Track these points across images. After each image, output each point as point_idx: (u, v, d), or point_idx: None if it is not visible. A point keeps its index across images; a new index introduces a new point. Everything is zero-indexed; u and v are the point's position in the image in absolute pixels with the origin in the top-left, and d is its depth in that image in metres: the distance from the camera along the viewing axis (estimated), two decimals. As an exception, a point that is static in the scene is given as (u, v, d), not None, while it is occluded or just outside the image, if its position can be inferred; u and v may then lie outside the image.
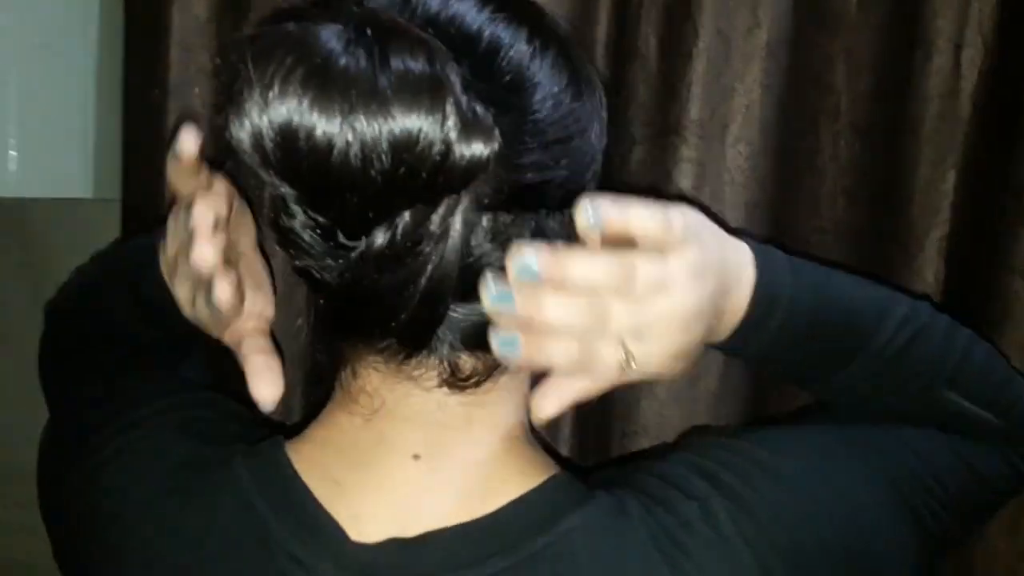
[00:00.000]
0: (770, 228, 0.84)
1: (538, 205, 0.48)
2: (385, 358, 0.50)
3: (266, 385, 0.59)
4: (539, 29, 0.50)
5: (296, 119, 0.39)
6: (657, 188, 0.82)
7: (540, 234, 0.48)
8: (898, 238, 0.83)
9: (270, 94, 0.39)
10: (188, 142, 0.56)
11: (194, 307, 0.60)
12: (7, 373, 1.25)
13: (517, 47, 0.48)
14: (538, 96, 0.48)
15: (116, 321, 0.69)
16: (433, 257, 0.45)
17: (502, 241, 0.47)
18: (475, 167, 0.42)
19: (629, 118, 0.83)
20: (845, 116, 0.83)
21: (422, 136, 0.40)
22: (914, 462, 0.59)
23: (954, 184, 0.81)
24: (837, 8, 0.81)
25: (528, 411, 0.55)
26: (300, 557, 0.50)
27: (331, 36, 0.40)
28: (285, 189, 0.42)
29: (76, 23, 0.93)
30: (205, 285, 0.57)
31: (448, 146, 0.40)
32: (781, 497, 0.53)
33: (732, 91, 0.81)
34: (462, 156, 0.41)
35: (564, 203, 0.49)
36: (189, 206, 0.57)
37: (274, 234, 0.47)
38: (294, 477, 0.53)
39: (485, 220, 0.46)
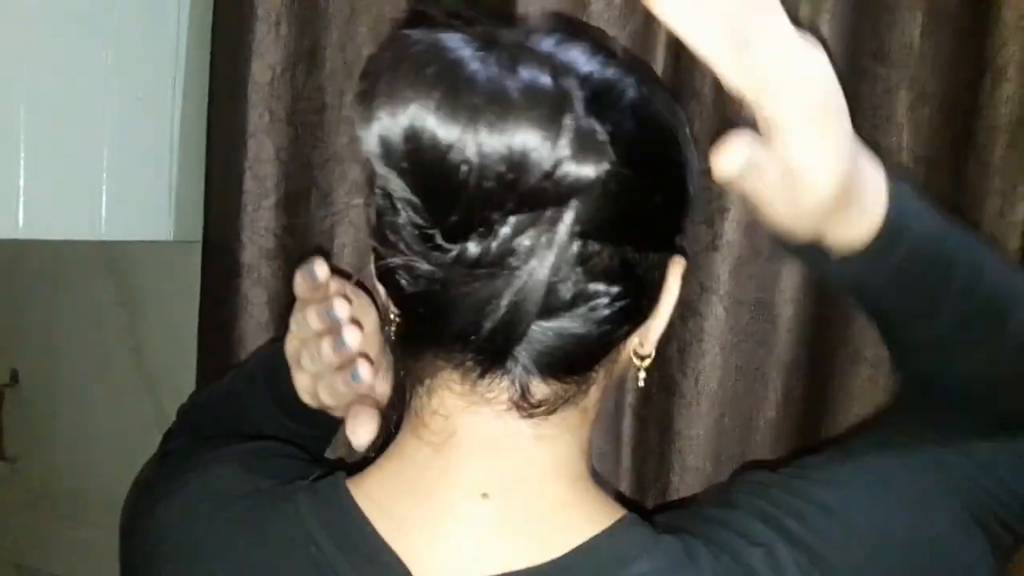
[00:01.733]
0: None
1: (629, 240, 0.48)
2: (461, 375, 0.50)
3: (362, 426, 0.63)
4: (647, 79, 0.51)
5: (421, 120, 0.40)
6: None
7: (626, 269, 0.49)
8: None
9: (401, 92, 0.41)
10: (322, 270, 0.63)
11: (315, 394, 0.67)
12: (105, 403, 1.33)
13: (629, 90, 0.49)
14: (648, 135, 0.49)
15: (252, 420, 0.72)
16: (523, 272, 0.44)
17: (589, 268, 0.47)
18: (581, 186, 0.42)
19: (686, 153, 0.84)
20: (908, 148, 0.81)
21: (537, 146, 0.41)
22: (983, 478, 0.56)
23: (1025, 215, 0.79)
24: (898, 38, 0.81)
25: (591, 454, 0.55)
26: None
27: (462, 44, 0.43)
28: (397, 184, 0.43)
29: (163, 77, 0.99)
30: (347, 368, 0.64)
31: (559, 160, 0.41)
32: (848, 537, 0.52)
33: (789, 125, 0.80)
34: (569, 173, 0.42)
35: (655, 245, 0.50)
36: (311, 308, 0.64)
37: (376, 228, 0.47)
38: (357, 512, 0.52)
39: (576, 245, 0.46)
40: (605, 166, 0.42)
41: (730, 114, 0.82)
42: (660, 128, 0.50)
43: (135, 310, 1.24)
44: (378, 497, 0.53)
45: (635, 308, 0.51)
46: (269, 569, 0.53)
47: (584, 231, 0.46)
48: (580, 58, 0.48)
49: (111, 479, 1.34)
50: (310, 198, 0.95)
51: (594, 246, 0.47)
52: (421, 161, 0.41)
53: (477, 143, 0.40)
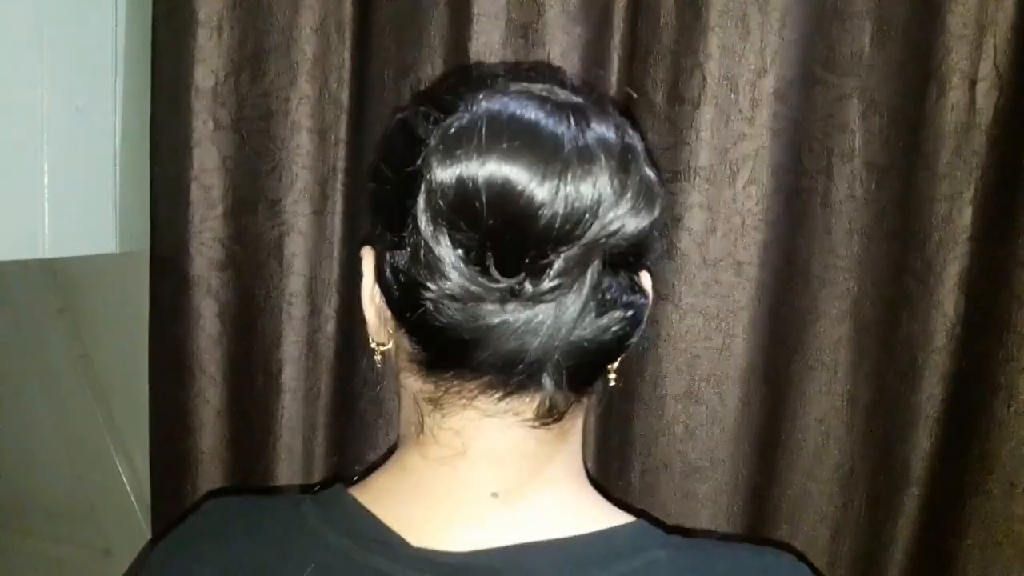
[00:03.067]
0: (783, 266, 0.84)
1: (634, 267, 0.53)
2: (489, 394, 0.52)
3: None
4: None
5: (515, 178, 0.44)
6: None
7: (635, 288, 0.53)
8: (917, 273, 0.82)
9: (490, 152, 0.45)
10: None
11: None
12: (46, 410, 1.30)
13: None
14: (657, 178, 0.51)
15: None
16: (563, 303, 0.49)
17: (608, 293, 0.51)
18: (630, 237, 0.47)
19: (640, 163, 0.84)
20: (860, 155, 0.82)
21: (608, 197, 0.45)
22: None
23: (971, 219, 0.81)
24: (850, 47, 0.81)
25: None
26: (389, 571, 0.51)
27: (532, 105, 0.47)
28: (461, 228, 0.46)
29: (102, 86, 0.95)
30: None
31: (623, 213, 0.46)
32: None
33: (742, 136, 0.81)
34: (627, 225, 0.46)
35: (644, 267, 0.55)
36: None
37: (416, 262, 0.49)
38: (360, 508, 0.55)
39: (604, 276, 0.50)
40: (655, 215, 0.48)
41: (682, 124, 0.82)
42: (658, 172, 0.53)
43: (80, 321, 1.21)
44: (381, 499, 0.55)
45: (637, 322, 0.54)
46: (278, 564, 0.54)
47: (610, 263, 0.50)
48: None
49: (62, 489, 1.32)
50: (258, 207, 0.93)
51: (612, 274, 0.51)
52: (507, 211, 0.45)
53: (565, 197, 0.45)
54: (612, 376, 0.60)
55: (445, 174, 0.45)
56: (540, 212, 0.45)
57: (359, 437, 0.93)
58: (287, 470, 0.94)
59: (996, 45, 0.78)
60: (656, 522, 0.57)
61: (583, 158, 0.45)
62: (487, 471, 0.53)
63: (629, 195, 0.46)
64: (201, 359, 0.94)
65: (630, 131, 0.50)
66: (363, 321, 0.58)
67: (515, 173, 0.44)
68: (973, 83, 0.79)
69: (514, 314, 0.48)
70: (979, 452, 0.80)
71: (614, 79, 0.83)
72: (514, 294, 0.47)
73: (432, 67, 0.88)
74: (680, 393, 0.87)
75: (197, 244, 0.93)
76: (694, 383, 0.87)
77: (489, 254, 0.47)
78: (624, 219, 0.46)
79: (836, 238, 0.83)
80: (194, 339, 0.94)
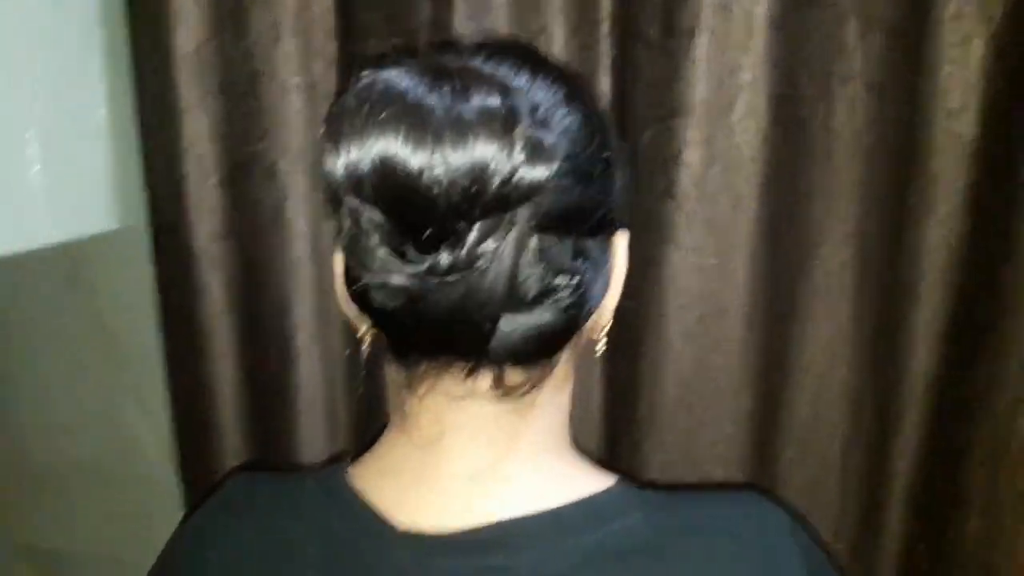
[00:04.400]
0: (786, 193, 0.83)
1: (579, 230, 0.53)
2: (450, 375, 0.54)
3: None
4: (572, 86, 0.55)
5: (391, 150, 0.45)
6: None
7: (582, 257, 0.53)
8: (920, 190, 0.81)
9: (367, 129, 0.45)
10: None
11: None
12: (63, 389, 1.31)
13: (561, 100, 0.53)
14: (581, 138, 0.53)
15: None
16: (489, 272, 0.49)
17: (549, 262, 0.51)
18: (536, 186, 0.47)
19: (637, 99, 0.82)
20: (860, 76, 0.80)
21: (495, 157, 0.45)
22: None
23: (976, 132, 0.79)
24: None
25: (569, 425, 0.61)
26: (378, 552, 0.55)
27: (416, 82, 0.47)
28: (367, 210, 0.47)
29: (80, 64, 0.93)
30: None
31: (515, 167, 0.46)
32: None
33: (738, 66, 0.79)
34: (525, 176, 0.46)
35: (599, 229, 0.55)
36: None
37: (349, 255, 0.50)
38: (357, 495, 0.58)
39: (535, 241, 0.50)
40: (554, 167, 0.47)
41: (677, 56, 0.80)
42: (590, 131, 0.54)
43: (90, 299, 1.20)
44: (372, 482, 0.59)
45: (594, 293, 0.55)
46: (281, 547, 0.58)
47: (540, 226, 0.50)
48: (517, 76, 0.53)
49: (67, 452, 1.33)
50: (254, 172, 0.92)
51: (550, 240, 0.51)
52: (392, 186, 0.46)
53: (444, 163, 0.45)
54: (600, 345, 0.62)
55: (336, 167, 0.46)
56: (426, 182, 0.45)
57: (381, 394, 0.94)
58: (310, 434, 0.96)
59: (1000, -49, 0.76)
60: (635, 480, 0.59)
61: (457, 124, 0.45)
62: (461, 455, 0.56)
63: (515, 152, 0.46)
64: (214, 331, 0.94)
65: (525, 97, 0.50)
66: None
67: (394, 149, 0.45)
68: (976, -11, 0.77)
69: (444, 291, 0.49)
70: (986, 369, 0.81)
71: (607, 11, 0.81)
72: (433, 271, 0.48)
73: (421, 12, 0.86)
74: (684, 328, 0.87)
75: (197, 215, 0.92)
76: (699, 317, 0.87)
77: (398, 235, 0.48)
78: (520, 175, 0.46)
79: (838, 162, 0.82)
80: (203, 313, 0.94)
